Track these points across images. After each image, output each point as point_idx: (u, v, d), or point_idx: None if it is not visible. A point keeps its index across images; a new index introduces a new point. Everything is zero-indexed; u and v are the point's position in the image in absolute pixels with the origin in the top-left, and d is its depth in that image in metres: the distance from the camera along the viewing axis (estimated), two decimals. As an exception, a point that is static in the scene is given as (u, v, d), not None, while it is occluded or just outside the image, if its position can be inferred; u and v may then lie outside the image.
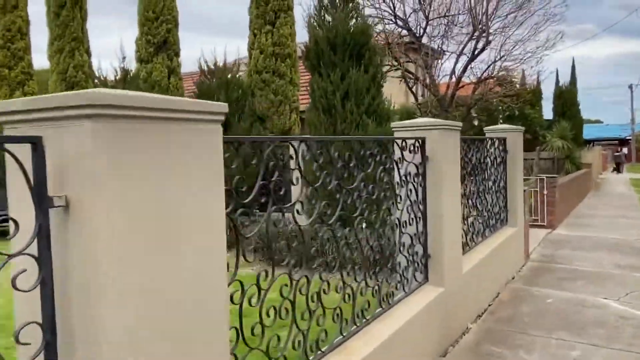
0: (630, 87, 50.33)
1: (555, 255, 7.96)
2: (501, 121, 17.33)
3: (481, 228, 5.92)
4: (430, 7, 13.25)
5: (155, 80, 10.24)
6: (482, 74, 13.08)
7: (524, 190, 7.41)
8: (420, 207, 4.10)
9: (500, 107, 16.47)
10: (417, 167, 4.02)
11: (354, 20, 7.69)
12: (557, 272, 6.85)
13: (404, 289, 3.82)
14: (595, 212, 13.21)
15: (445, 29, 13.22)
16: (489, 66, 12.90)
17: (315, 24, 7.75)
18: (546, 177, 10.40)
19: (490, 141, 6.42)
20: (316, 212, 2.83)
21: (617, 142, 55.65)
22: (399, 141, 3.85)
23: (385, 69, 13.36)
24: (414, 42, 13.58)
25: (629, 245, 8.72)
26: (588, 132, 37.66)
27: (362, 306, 3.23)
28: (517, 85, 15.97)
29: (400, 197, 3.83)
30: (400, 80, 13.19)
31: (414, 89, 14.66)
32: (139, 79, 9.98)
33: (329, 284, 2.88)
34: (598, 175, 27.65)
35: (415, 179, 4.00)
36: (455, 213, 4.53)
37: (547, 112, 27.89)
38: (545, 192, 10.44)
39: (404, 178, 3.86)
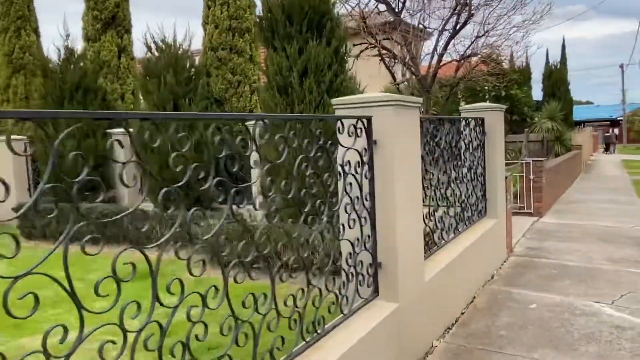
0: (621, 66, 49.69)
1: (542, 249, 7.17)
2: (488, 102, 16.49)
3: (453, 223, 5.09)
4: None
5: (104, 61, 9.26)
6: (464, 51, 12.15)
7: (506, 177, 6.59)
8: (366, 204, 3.25)
9: (485, 87, 15.56)
10: (359, 154, 3.17)
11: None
12: (543, 269, 6.06)
13: (341, 310, 2.99)
14: (586, 196, 12.46)
15: (425, 2, 12.26)
16: (472, 42, 11.99)
17: (268, -12, 6.80)
18: (532, 160, 9.60)
19: (464, 122, 5.57)
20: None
21: (608, 123, 55.17)
22: (342, 121, 3.02)
23: (361, 47, 12.51)
24: (392, 20, 12.63)
25: (623, 234, 7.96)
26: (578, 114, 37.18)
27: (271, 346, 2.38)
28: (504, 64, 15.06)
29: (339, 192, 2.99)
30: (380, 60, 12.26)
31: (394, 69, 13.74)
32: (86, 59, 8.99)
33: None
34: (589, 156, 26.95)
35: (358, 170, 3.15)
36: (413, 209, 3.68)
37: (537, 95, 27.16)
38: (531, 176, 9.64)
39: (340, 169, 3.01)
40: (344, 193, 3.03)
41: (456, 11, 12.26)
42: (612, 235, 7.90)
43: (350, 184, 3.06)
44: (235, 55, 9.20)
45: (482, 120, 5.99)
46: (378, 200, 3.32)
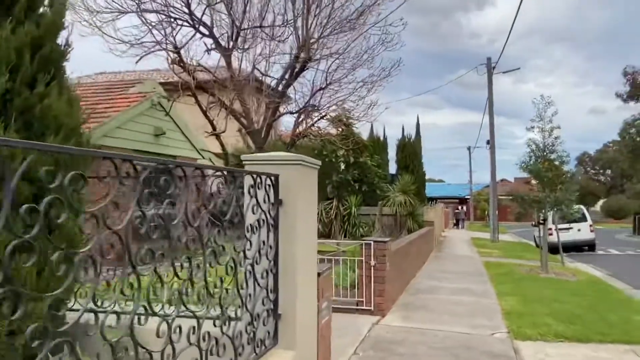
0: (469, 148, 53.28)
1: (374, 385, 4.69)
2: (339, 169, 14.69)
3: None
4: (243, 15, 10.10)
5: None
6: (305, 104, 10.09)
7: (320, 274, 4.08)
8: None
9: (334, 152, 13.71)
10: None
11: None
12: None
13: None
14: (438, 283, 10.63)
15: (262, 42, 10.11)
16: (313, 94, 9.99)
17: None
18: (374, 241, 7.40)
19: (244, 179, 3.03)
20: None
21: (457, 200, 58.56)
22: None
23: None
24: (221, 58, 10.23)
25: (481, 349, 5.85)
26: (431, 190, 38.30)
27: None
28: (354, 127, 13.42)
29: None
30: (195, 103, 9.65)
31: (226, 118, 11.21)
32: None
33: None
34: (441, 233, 26.62)
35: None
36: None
37: (393, 169, 26.69)
38: (372, 263, 7.40)
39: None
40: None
41: (299, 58, 10.24)
42: (469, 351, 5.74)
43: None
44: None
45: (276, 179, 3.46)
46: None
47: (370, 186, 14.95)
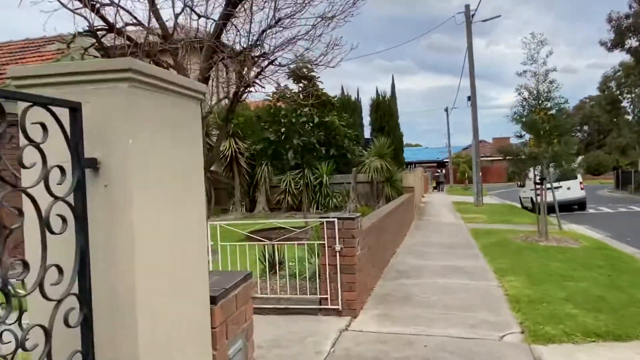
0: (446, 109, 51.68)
1: None
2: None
3: None
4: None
5: None
6: (248, 45, 7.94)
7: (217, 298, 2.16)
8: None
9: (290, 111, 11.62)
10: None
11: None
12: None
13: None
14: (423, 261, 8.89)
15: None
16: (260, 34, 7.86)
17: None
18: (338, 219, 5.52)
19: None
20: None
21: (435, 164, 57.27)
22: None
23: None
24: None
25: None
26: (408, 155, 36.86)
27: None
28: (318, 83, 11.36)
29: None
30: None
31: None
32: None
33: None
34: (421, 198, 25.00)
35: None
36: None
37: (368, 135, 24.69)
38: (338, 247, 5.53)
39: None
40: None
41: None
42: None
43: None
44: None
45: (74, 114, 1.50)
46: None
47: (340, 150, 12.97)
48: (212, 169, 21.18)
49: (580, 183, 19.84)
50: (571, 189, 19.46)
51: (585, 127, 66.67)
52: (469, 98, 21.80)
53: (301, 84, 11.27)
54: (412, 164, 34.52)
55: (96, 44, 7.59)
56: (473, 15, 21.37)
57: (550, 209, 13.85)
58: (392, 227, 9.56)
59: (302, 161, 12.29)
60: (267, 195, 19.92)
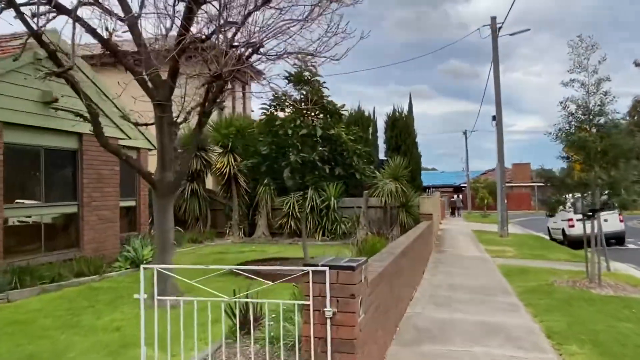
0: (465, 132, 49.73)
1: None
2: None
3: None
4: None
5: None
6: (222, 22, 6.11)
7: None
8: None
9: (288, 121, 9.75)
10: None
11: None
12: None
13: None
14: (448, 315, 6.89)
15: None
16: (245, 17, 6.11)
17: None
18: (330, 267, 3.63)
19: None
20: None
21: (452, 189, 55.07)
22: None
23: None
24: None
25: None
26: (424, 179, 35.02)
27: None
28: (320, 86, 9.56)
29: None
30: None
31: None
32: None
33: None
34: (438, 225, 22.92)
35: None
36: None
37: (382, 156, 22.78)
38: (328, 311, 3.61)
39: None
40: None
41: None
42: None
43: None
44: None
45: None
46: None
47: (347, 169, 10.98)
48: (209, 187, 19.42)
49: (620, 215, 17.66)
50: (609, 221, 17.24)
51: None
52: (493, 117, 19.85)
53: (303, 91, 9.49)
54: (429, 188, 32.56)
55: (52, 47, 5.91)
56: (500, 28, 19.58)
57: (580, 243, 11.80)
58: (408, 266, 7.60)
59: (302, 181, 10.40)
60: (269, 219, 18.03)
